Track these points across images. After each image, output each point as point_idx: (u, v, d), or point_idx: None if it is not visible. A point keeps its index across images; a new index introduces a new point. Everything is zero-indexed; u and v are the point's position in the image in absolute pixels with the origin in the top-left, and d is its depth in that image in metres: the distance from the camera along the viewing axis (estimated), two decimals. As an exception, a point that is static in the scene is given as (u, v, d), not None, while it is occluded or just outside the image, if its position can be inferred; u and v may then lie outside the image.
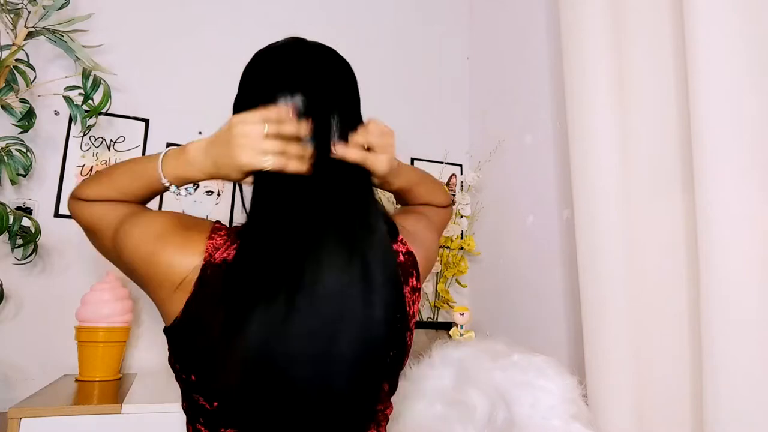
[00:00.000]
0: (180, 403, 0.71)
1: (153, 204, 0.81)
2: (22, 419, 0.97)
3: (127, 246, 0.69)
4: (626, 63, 1.18)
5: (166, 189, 0.75)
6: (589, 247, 1.17)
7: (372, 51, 1.87)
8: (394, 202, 1.01)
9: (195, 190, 0.79)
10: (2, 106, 1.30)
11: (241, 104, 0.76)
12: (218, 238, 0.68)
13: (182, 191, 0.76)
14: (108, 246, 0.73)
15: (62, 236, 1.42)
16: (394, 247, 0.76)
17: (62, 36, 1.35)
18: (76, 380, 1.27)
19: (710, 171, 0.92)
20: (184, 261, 0.66)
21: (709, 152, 0.93)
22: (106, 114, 1.48)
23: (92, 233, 0.76)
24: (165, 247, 0.66)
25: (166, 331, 0.68)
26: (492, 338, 1.15)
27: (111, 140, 1.52)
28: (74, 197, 0.76)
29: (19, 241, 1.28)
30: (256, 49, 0.80)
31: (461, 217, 1.77)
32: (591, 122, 1.18)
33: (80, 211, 0.75)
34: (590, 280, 1.16)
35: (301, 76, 0.74)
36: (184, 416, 0.72)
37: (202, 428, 0.68)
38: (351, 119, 0.76)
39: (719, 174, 0.91)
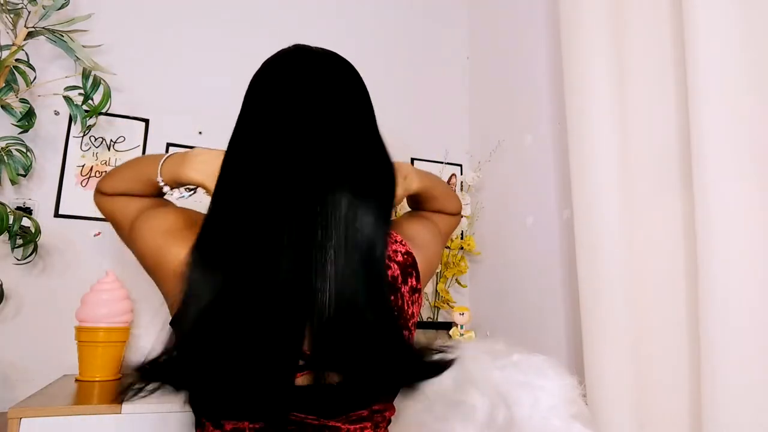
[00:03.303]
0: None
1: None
2: (22, 419, 0.97)
3: (139, 238, 0.74)
4: (626, 63, 1.18)
5: (161, 190, 0.79)
6: (588, 247, 1.17)
7: (372, 51, 1.87)
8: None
9: (190, 194, 0.83)
10: (2, 106, 1.30)
11: (250, 116, 0.75)
12: None
13: (175, 193, 0.81)
14: (126, 236, 0.79)
15: (62, 236, 1.42)
16: (393, 247, 0.77)
17: (62, 36, 1.35)
18: (76, 380, 1.27)
19: (710, 171, 0.92)
20: (186, 254, 0.68)
21: (708, 152, 0.93)
22: (106, 114, 1.48)
23: (113, 223, 0.83)
24: (172, 241, 0.71)
25: (171, 323, 0.70)
26: (492, 338, 1.15)
27: (111, 140, 1.52)
28: (97, 190, 0.84)
29: (19, 241, 1.28)
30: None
31: (461, 217, 1.77)
32: (591, 122, 1.18)
33: (101, 203, 0.83)
34: (590, 279, 1.16)
35: (311, 87, 0.73)
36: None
37: (205, 421, 0.69)
38: (364, 128, 0.76)
39: (719, 174, 0.91)
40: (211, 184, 0.76)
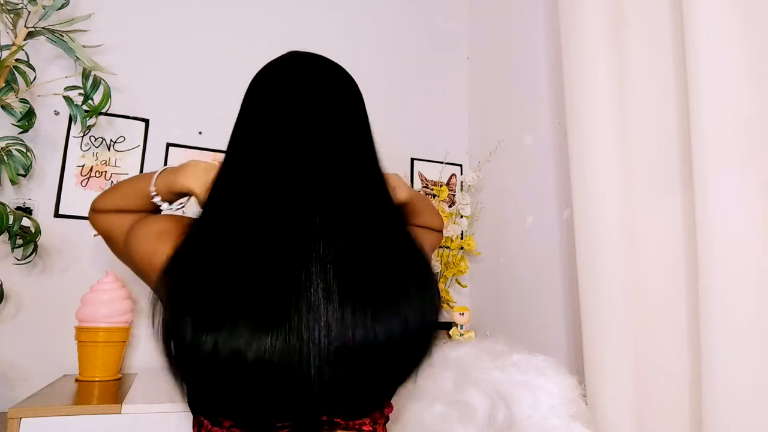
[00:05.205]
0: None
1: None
2: (22, 419, 0.97)
3: (133, 246, 0.76)
4: (626, 63, 1.18)
5: (155, 203, 0.81)
6: (588, 247, 1.17)
7: (372, 51, 1.87)
8: None
9: (180, 207, 0.85)
10: (2, 106, 1.30)
11: (246, 125, 0.76)
12: None
13: (164, 206, 0.83)
14: (121, 250, 0.81)
15: (62, 236, 1.42)
16: None
17: (62, 36, 1.35)
18: (76, 380, 1.27)
19: (709, 171, 0.92)
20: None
21: (708, 152, 0.93)
22: (106, 114, 1.48)
23: (108, 240, 0.85)
24: (164, 243, 0.72)
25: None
26: (492, 338, 1.15)
27: (111, 140, 1.52)
28: (91, 209, 0.86)
29: (19, 241, 1.28)
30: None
31: (461, 217, 1.77)
32: (590, 122, 1.18)
33: (96, 221, 0.86)
34: (589, 279, 1.16)
35: (305, 97, 0.74)
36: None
37: (203, 419, 0.70)
38: (358, 136, 0.77)
39: (718, 174, 0.91)
40: (203, 192, 0.77)
